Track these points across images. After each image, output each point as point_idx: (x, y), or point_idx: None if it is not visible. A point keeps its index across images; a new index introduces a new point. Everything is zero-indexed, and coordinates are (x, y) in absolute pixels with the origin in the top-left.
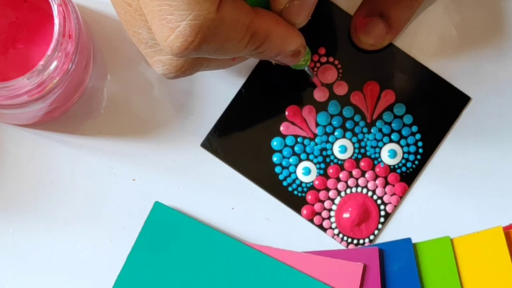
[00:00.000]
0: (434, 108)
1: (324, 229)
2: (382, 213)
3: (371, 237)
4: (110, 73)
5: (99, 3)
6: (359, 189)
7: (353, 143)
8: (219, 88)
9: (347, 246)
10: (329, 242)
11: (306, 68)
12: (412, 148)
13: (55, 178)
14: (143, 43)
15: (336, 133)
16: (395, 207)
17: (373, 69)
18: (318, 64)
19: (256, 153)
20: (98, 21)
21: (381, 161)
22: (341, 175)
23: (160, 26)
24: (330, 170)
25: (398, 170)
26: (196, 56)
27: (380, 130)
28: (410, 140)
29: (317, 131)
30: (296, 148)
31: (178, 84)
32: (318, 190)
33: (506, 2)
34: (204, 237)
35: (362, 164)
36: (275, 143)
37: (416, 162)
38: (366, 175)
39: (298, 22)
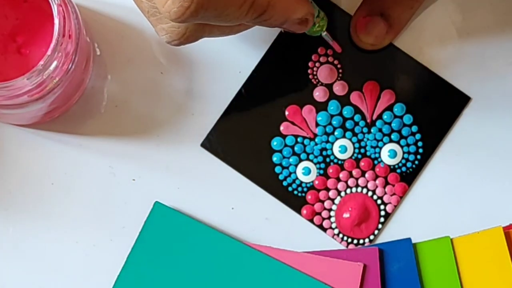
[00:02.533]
0: (434, 108)
1: (324, 229)
2: (382, 213)
3: (371, 237)
4: (110, 73)
5: (99, 3)
6: (359, 189)
7: (353, 143)
8: (219, 88)
9: (347, 246)
10: (329, 242)
11: (323, 34)
12: (412, 148)
13: (55, 178)
14: (145, 11)
15: (336, 133)
16: (395, 207)
17: (373, 69)
18: (318, 64)
19: (256, 153)
20: (98, 21)
21: (381, 161)
22: (341, 175)
23: None
24: (330, 170)
25: (398, 170)
26: (196, 21)
27: (380, 130)
28: (410, 140)
29: (317, 131)
30: (296, 148)
31: (178, 84)
32: (318, 190)
33: (506, 2)
34: (204, 237)
35: (362, 164)
36: (275, 143)
37: (416, 162)
38: (366, 175)
39: None
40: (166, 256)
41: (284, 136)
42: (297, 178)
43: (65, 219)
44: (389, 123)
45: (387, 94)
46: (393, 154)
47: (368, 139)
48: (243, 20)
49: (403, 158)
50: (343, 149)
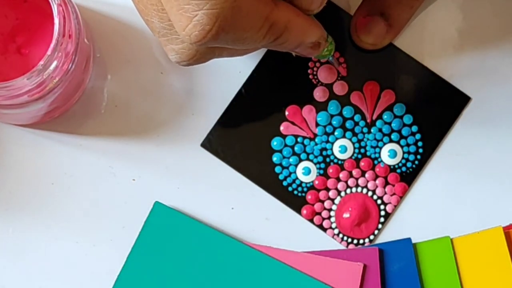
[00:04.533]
0: (434, 108)
1: (324, 229)
2: (382, 213)
3: (371, 237)
4: (110, 73)
5: (99, 3)
6: (359, 189)
7: (353, 143)
8: (219, 88)
9: (347, 246)
10: (329, 242)
11: (330, 58)
12: (412, 148)
13: (55, 178)
14: (156, 31)
15: (336, 133)
16: (395, 207)
17: (373, 69)
18: (318, 64)
19: (256, 153)
20: (98, 21)
21: (381, 161)
22: (341, 175)
23: (178, 16)
24: (330, 170)
25: (398, 170)
26: (215, 45)
27: (380, 130)
28: (410, 140)
29: (317, 131)
30: (296, 148)
31: (178, 84)
32: (318, 190)
33: (506, 2)
34: (204, 237)
35: (362, 164)
36: (275, 143)
37: (416, 162)
38: (366, 175)
39: (311, 9)
40: (166, 256)
41: (284, 136)
42: (297, 178)
43: (65, 219)
44: (389, 123)
45: (387, 94)
46: (393, 154)
47: (368, 139)
48: (260, 43)
49: (403, 158)
50: (343, 149)
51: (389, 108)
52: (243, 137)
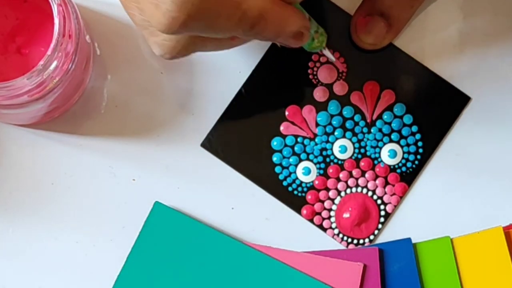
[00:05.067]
0: (434, 108)
1: (324, 229)
2: (382, 213)
3: (371, 237)
4: (110, 73)
5: (99, 3)
6: (359, 189)
7: (353, 143)
8: (219, 88)
9: (347, 246)
10: (329, 242)
11: (324, 51)
12: (412, 148)
13: (55, 178)
14: (138, 24)
15: (336, 133)
16: (395, 207)
17: (373, 69)
18: (318, 64)
19: (256, 153)
20: (98, 21)
21: (381, 161)
22: (341, 175)
23: (148, 5)
24: (330, 170)
25: (398, 170)
26: (188, 33)
27: (380, 130)
28: (410, 140)
29: (317, 131)
30: (296, 148)
31: (178, 84)
32: (318, 190)
33: (506, 2)
34: (204, 237)
35: (362, 164)
36: (275, 143)
37: (416, 162)
38: (366, 175)
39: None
40: (166, 256)
41: (284, 136)
42: (297, 178)
43: (65, 219)
44: (389, 123)
45: (387, 94)
46: (393, 154)
47: (368, 139)
48: (235, 32)
49: (403, 158)
50: (343, 149)
51: (389, 108)
52: (243, 137)
